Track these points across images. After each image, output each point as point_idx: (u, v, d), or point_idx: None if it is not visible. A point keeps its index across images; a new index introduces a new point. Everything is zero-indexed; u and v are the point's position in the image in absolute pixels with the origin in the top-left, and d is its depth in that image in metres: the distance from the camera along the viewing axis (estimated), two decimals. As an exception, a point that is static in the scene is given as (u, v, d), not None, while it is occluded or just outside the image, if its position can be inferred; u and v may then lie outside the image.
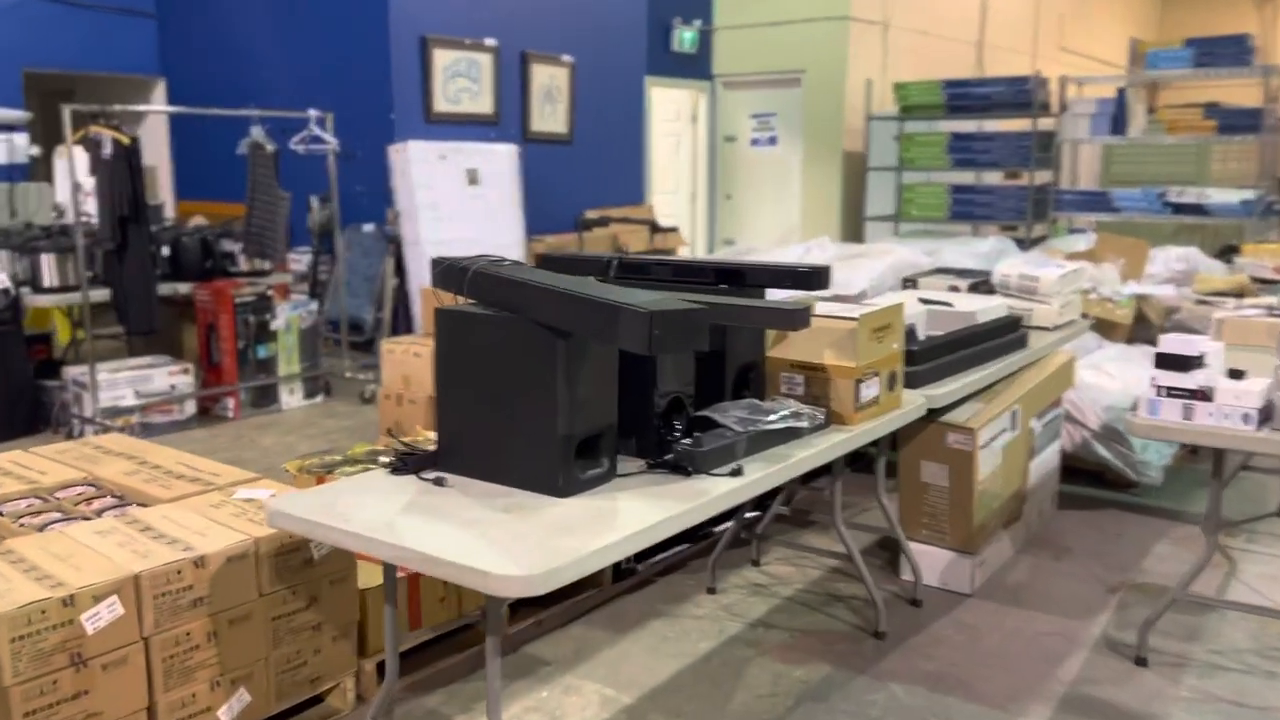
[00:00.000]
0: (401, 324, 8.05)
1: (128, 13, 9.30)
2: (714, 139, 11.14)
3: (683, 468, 2.41)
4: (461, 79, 8.28)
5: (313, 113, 6.60)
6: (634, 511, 2.18)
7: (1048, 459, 4.30)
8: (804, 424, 2.67)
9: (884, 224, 9.92)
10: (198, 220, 7.71)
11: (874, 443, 3.09)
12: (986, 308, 3.78)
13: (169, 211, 9.52)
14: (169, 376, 5.90)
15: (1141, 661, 3.17)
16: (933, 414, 3.46)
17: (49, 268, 5.69)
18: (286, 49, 8.54)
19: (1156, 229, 8.74)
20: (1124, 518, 4.44)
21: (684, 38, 10.48)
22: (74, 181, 5.49)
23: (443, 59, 8.12)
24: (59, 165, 6.41)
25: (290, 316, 6.41)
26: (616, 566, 3.63)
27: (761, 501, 4.02)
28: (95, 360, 5.62)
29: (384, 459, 3.14)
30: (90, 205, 5.77)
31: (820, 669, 3.15)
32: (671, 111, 10.93)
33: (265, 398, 6.37)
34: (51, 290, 5.71)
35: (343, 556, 2.81)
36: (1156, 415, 2.97)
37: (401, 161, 7.48)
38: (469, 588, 1.97)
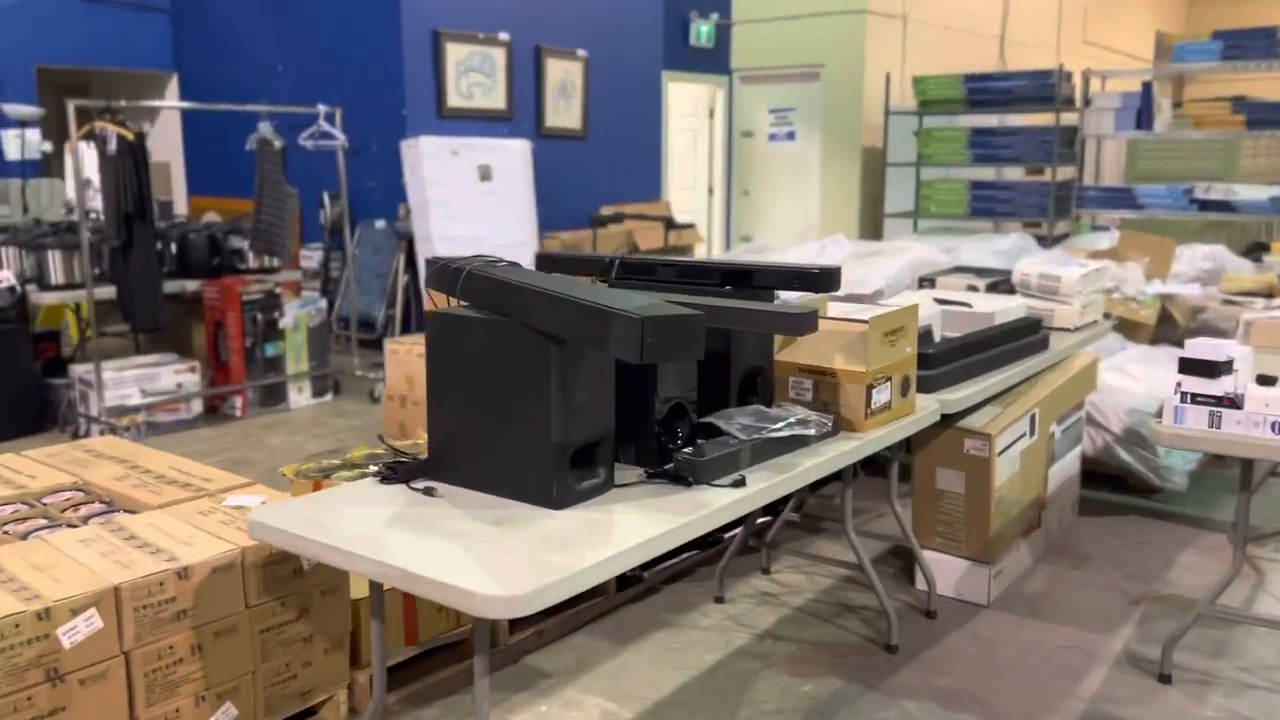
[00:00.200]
0: (413, 321, 7.99)
1: (141, 8, 9.26)
2: (731, 134, 11.01)
3: (683, 478, 2.31)
4: (474, 74, 8.19)
5: (321, 108, 6.52)
6: (630, 525, 2.09)
7: (1068, 465, 4.16)
8: (811, 431, 2.57)
9: (903, 220, 9.76)
10: (210, 216, 7.65)
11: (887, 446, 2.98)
12: (1005, 309, 3.66)
13: (182, 208, 9.49)
14: (176, 375, 5.84)
15: (1165, 678, 3.05)
16: (948, 419, 3.35)
17: (56, 265, 5.65)
18: (299, 43, 8.48)
19: (1182, 226, 8.55)
20: (1147, 525, 4.31)
21: (701, 31, 10.36)
22: (82, 178, 5.44)
23: (455, 53, 8.03)
24: (69, 161, 6.37)
25: (299, 314, 6.34)
26: (622, 574, 3.52)
27: (773, 507, 3.92)
28: (102, 358, 5.57)
29: (374, 466, 3.05)
30: (98, 202, 5.72)
31: (830, 683, 3.04)
32: (689, 106, 10.81)
33: (273, 396, 6.31)
34: (58, 288, 5.68)
35: (334, 566, 2.72)
36: (1182, 423, 2.85)
37: (413, 157, 7.40)
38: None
